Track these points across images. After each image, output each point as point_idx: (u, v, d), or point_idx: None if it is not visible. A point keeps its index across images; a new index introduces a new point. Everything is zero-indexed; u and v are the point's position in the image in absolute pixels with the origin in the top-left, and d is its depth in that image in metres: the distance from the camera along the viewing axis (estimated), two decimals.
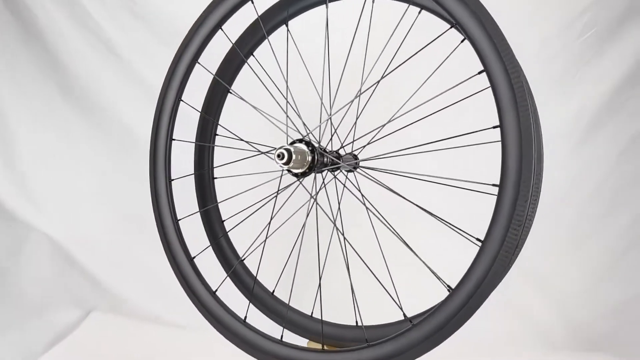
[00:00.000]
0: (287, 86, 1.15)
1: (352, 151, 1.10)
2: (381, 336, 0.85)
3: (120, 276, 1.96)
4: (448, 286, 0.82)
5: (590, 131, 1.87)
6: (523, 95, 0.72)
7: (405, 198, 1.00)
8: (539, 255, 1.84)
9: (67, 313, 1.86)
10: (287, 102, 1.14)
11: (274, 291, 1.24)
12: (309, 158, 0.99)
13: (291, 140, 1.04)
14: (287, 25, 1.20)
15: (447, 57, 1.02)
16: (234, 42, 1.21)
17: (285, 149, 0.94)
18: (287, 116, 1.13)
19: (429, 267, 0.96)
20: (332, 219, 1.09)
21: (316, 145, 1.04)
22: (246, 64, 1.24)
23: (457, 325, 0.77)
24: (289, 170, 1.00)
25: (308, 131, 1.06)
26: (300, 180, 1.05)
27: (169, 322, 1.90)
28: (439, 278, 0.91)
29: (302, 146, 0.99)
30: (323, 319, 1.08)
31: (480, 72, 0.81)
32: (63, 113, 1.98)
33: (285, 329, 1.08)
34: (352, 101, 1.06)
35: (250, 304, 1.16)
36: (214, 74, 1.24)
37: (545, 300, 1.91)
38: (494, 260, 0.74)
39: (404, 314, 0.96)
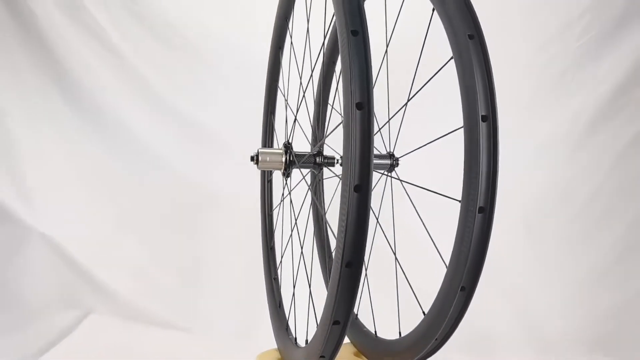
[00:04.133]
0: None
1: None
2: None
3: (120, 277, 1.97)
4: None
5: (587, 135, 1.86)
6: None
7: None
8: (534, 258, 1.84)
9: (64, 315, 1.87)
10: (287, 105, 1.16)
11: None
12: (283, 159, 1.01)
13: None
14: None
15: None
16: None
17: (258, 152, 0.98)
18: (296, 119, 1.14)
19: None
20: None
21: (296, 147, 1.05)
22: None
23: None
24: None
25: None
26: (283, 177, 1.07)
27: (169, 325, 1.90)
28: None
29: (274, 149, 1.02)
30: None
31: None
32: (62, 112, 1.96)
33: None
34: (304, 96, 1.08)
35: None
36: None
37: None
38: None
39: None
